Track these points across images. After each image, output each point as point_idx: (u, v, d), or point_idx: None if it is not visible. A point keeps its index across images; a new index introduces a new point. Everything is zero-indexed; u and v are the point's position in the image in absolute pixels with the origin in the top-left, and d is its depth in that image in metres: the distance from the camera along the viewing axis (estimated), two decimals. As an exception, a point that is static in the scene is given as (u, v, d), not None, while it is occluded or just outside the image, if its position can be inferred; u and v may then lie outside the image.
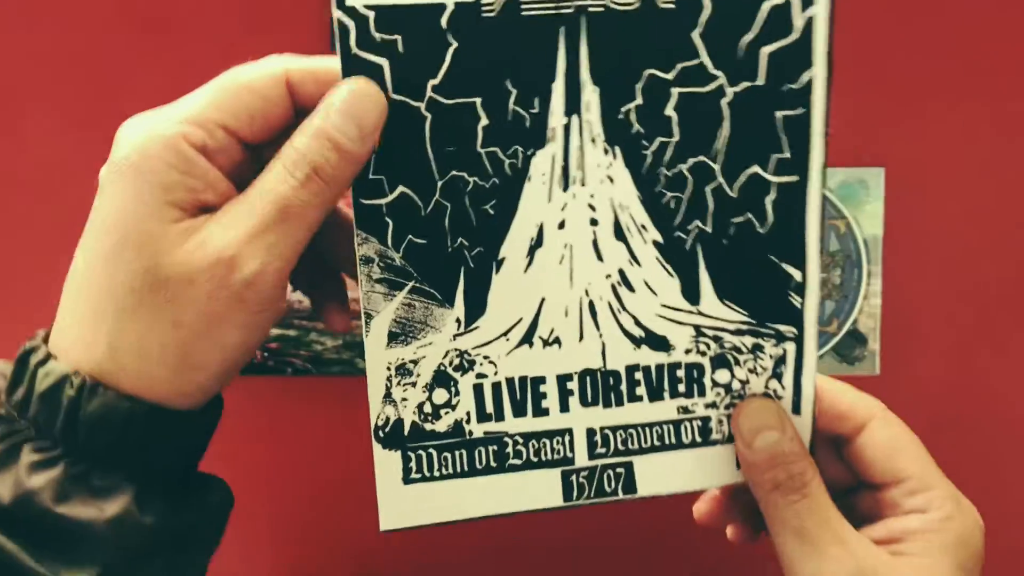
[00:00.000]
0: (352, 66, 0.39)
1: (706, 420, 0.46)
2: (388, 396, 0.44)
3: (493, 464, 0.45)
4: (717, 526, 0.51)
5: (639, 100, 0.41)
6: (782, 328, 0.45)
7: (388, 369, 0.43)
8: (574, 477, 0.45)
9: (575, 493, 0.45)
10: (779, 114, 0.42)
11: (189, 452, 0.41)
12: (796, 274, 0.44)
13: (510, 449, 0.45)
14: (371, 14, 0.39)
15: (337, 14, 0.39)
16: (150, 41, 0.75)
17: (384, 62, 0.39)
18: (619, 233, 0.43)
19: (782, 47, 0.41)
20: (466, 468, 0.44)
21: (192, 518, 0.40)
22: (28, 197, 0.77)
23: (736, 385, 0.45)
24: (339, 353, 0.78)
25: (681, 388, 0.45)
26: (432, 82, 0.40)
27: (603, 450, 0.45)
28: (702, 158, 0.42)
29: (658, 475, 0.46)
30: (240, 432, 0.77)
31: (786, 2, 0.41)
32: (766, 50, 0.41)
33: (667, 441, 0.46)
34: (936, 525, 0.43)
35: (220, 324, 0.38)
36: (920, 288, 0.76)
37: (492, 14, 0.39)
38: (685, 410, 0.45)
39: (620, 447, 0.45)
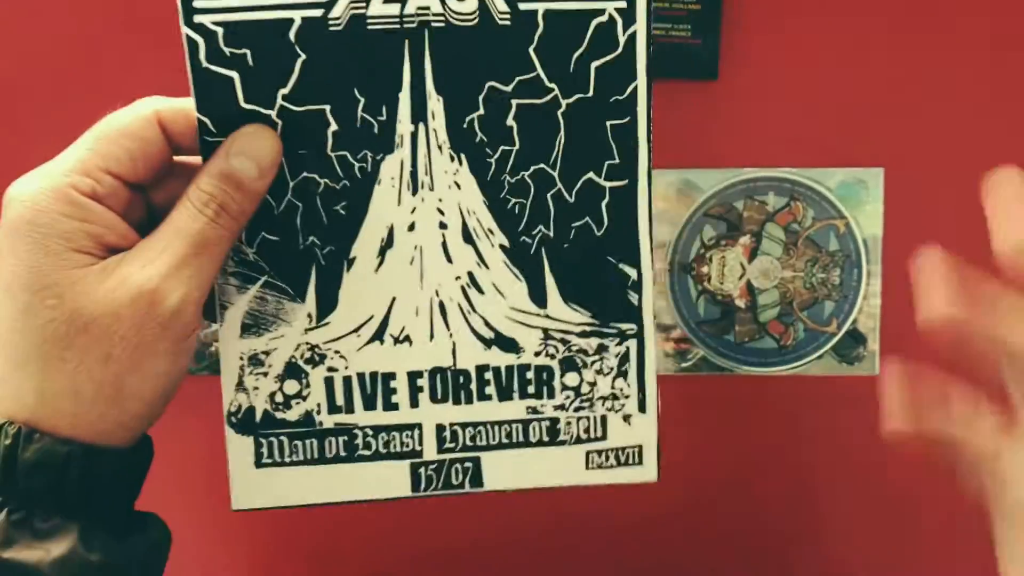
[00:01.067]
0: (202, 79, 0.42)
1: (555, 421, 0.47)
2: (240, 384, 0.46)
3: (343, 454, 0.47)
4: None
5: (481, 110, 0.44)
6: (623, 327, 0.47)
7: (241, 359, 0.46)
8: (423, 469, 0.47)
9: (423, 484, 0.47)
10: (608, 123, 0.45)
11: (127, 490, 0.43)
12: (632, 272, 0.46)
13: (359, 441, 0.47)
14: (220, 30, 0.42)
15: (185, 31, 0.42)
16: (150, 41, 0.72)
17: (235, 74, 0.42)
18: (467, 236, 0.45)
19: (608, 61, 0.44)
20: (316, 456, 0.46)
21: (137, 553, 0.42)
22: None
23: (584, 388, 0.47)
24: None
25: (531, 389, 0.47)
26: (282, 91, 0.43)
27: (451, 445, 0.47)
28: (542, 165, 0.45)
29: (505, 471, 0.47)
30: (208, 430, 0.80)
31: (610, 20, 0.43)
32: (594, 64, 0.44)
33: (515, 439, 0.47)
34: None
35: (149, 353, 0.40)
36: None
37: (339, 28, 0.42)
38: (534, 411, 0.47)
39: (468, 443, 0.47)
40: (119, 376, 0.40)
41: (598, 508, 0.75)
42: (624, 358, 0.47)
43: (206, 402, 0.74)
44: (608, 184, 0.46)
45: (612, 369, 0.47)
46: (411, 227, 0.45)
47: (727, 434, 0.76)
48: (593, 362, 0.47)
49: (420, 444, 0.47)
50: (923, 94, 0.74)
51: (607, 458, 0.48)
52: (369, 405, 0.46)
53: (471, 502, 0.68)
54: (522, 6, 0.43)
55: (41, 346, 0.39)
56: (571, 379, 0.47)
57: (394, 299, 0.46)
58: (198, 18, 0.42)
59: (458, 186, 0.45)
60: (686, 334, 0.74)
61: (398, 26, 0.43)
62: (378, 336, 0.46)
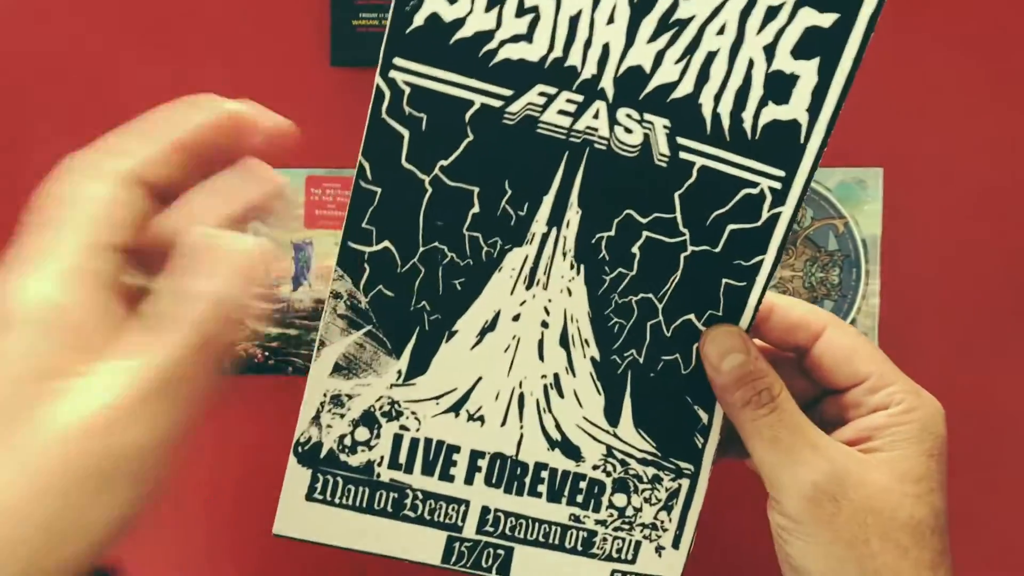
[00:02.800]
0: (376, 128, 0.45)
1: (592, 533, 0.49)
2: (316, 419, 0.48)
3: (390, 509, 0.48)
4: None
5: (612, 232, 0.47)
6: (682, 464, 0.49)
7: (324, 395, 0.47)
8: (457, 544, 0.49)
9: (454, 558, 0.49)
10: (724, 280, 0.47)
11: None
12: (704, 416, 0.49)
13: (408, 501, 0.48)
14: (407, 89, 0.44)
15: (378, 80, 0.44)
16: (150, 41, 0.76)
17: (406, 133, 0.45)
18: (564, 341, 0.48)
19: (744, 229, 0.47)
20: (364, 505, 0.48)
21: None
22: (28, 199, 0.78)
23: (629, 511, 0.49)
24: None
25: (579, 499, 0.49)
26: (442, 163, 0.45)
27: (491, 528, 0.49)
28: (651, 295, 0.47)
29: (533, 567, 0.49)
30: (239, 431, 0.80)
31: (760, 194, 0.46)
32: (731, 226, 0.47)
33: (551, 540, 0.49)
34: (900, 418, 0.45)
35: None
36: (918, 288, 0.77)
37: (511, 122, 0.45)
38: (576, 519, 0.49)
39: (507, 532, 0.49)
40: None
41: None
42: (674, 494, 0.49)
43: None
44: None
45: (660, 501, 0.49)
46: (516, 317, 0.47)
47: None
48: (644, 489, 0.49)
49: (463, 520, 0.49)
50: (923, 94, 0.75)
51: None
52: (427, 471, 0.48)
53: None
54: (682, 154, 0.46)
55: None
56: (619, 499, 0.49)
57: (480, 379, 0.48)
58: (393, 73, 0.44)
59: (569, 292, 0.47)
60: None
61: (564, 137, 0.45)
62: (455, 409, 0.48)
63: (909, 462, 0.45)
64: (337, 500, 0.48)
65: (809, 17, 0.44)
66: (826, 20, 0.44)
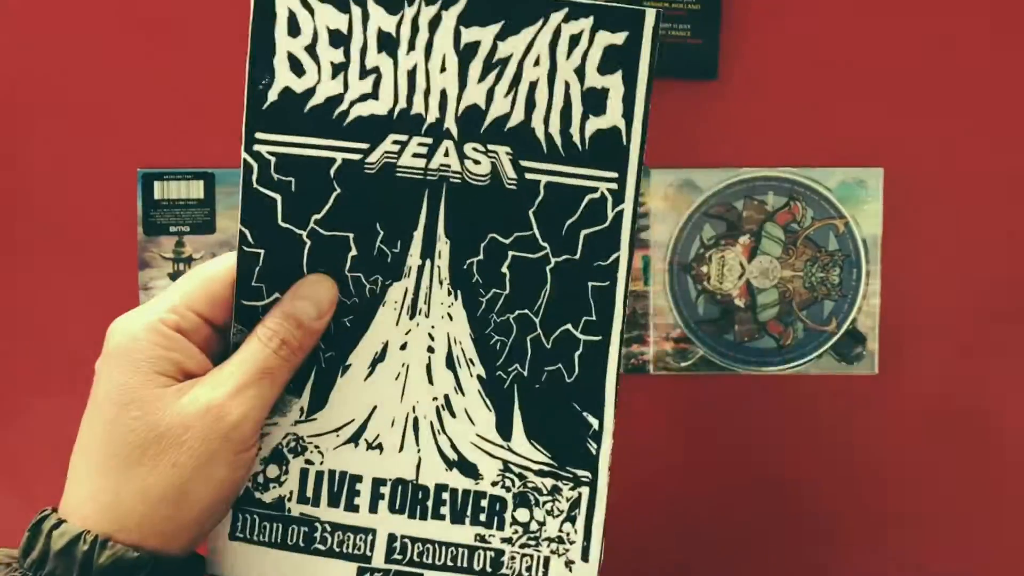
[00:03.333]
0: (249, 197, 0.51)
1: (499, 553, 0.50)
2: None
3: (301, 544, 0.50)
4: None
5: (481, 256, 0.51)
6: (579, 472, 0.50)
7: None
8: (367, 575, 0.50)
9: None
10: (590, 284, 0.50)
11: None
12: (594, 422, 0.50)
13: (318, 534, 0.50)
14: (273, 159, 0.50)
15: (244, 155, 0.51)
16: (150, 41, 0.75)
17: (278, 197, 0.51)
18: (450, 363, 0.51)
19: (596, 231, 0.50)
20: (279, 541, 0.51)
21: None
22: (28, 198, 0.78)
23: (533, 526, 0.50)
24: None
25: (482, 517, 0.50)
26: (315, 216, 0.51)
27: (399, 556, 0.50)
28: (526, 311, 0.51)
29: None
30: None
31: (601, 197, 0.50)
32: (584, 232, 0.50)
33: (459, 563, 0.50)
34: None
35: (211, 462, 0.46)
36: (919, 288, 0.75)
37: (372, 171, 0.51)
38: (482, 539, 0.50)
39: (415, 558, 0.50)
40: (183, 480, 0.46)
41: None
42: (575, 504, 0.50)
43: None
44: (583, 337, 0.50)
45: (562, 512, 0.50)
46: (403, 346, 0.51)
47: (726, 433, 0.76)
48: (545, 502, 0.50)
49: (371, 550, 0.50)
50: (923, 94, 0.74)
51: None
52: (333, 502, 0.51)
53: None
54: (527, 175, 0.50)
55: (121, 452, 0.46)
56: (522, 515, 0.50)
57: (375, 408, 0.51)
58: (256, 147, 0.51)
59: (450, 317, 0.51)
60: (685, 334, 0.75)
61: (422, 176, 0.50)
62: (354, 439, 0.51)
63: None
64: (255, 537, 0.51)
65: (605, 38, 0.49)
66: (619, 38, 0.49)
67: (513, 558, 0.50)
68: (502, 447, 0.50)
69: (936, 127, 0.75)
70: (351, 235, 0.51)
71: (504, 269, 0.50)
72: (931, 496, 0.76)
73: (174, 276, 0.77)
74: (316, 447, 0.51)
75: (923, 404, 0.76)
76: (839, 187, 0.74)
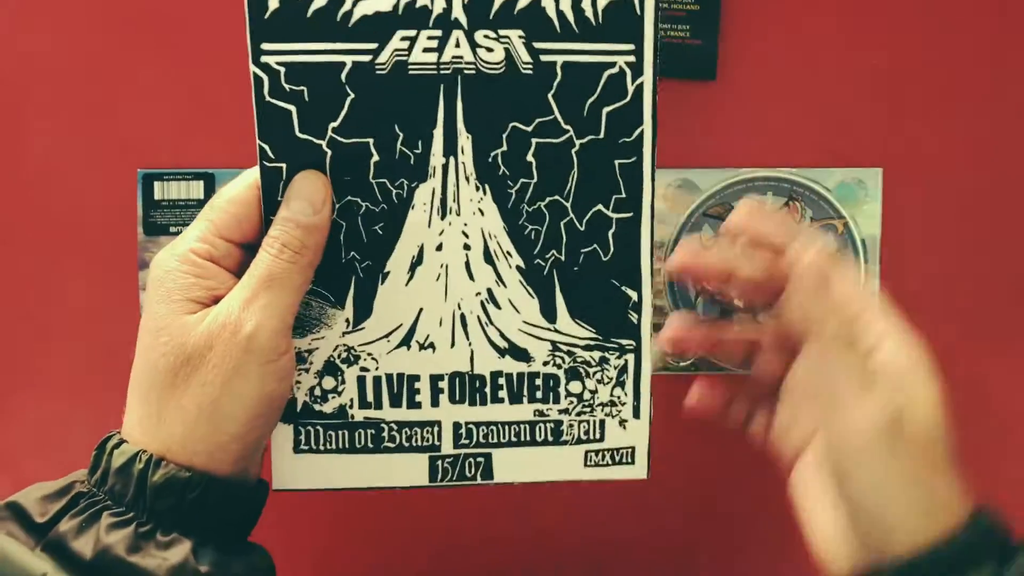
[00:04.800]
0: (264, 111, 0.49)
1: (558, 423, 0.53)
2: None
3: (371, 445, 0.53)
4: (713, 412, 0.58)
5: (504, 147, 0.50)
6: (623, 342, 0.53)
7: None
8: (440, 462, 0.53)
9: (439, 475, 0.53)
10: (617, 162, 0.51)
11: (238, 517, 0.50)
12: (633, 295, 0.52)
13: (385, 434, 0.53)
14: (282, 69, 0.49)
15: (253, 68, 0.49)
16: (150, 41, 0.75)
17: (292, 108, 0.49)
18: (488, 257, 0.52)
19: (618, 107, 0.50)
20: (347, 446, 0.53)
21: (240, 570, 0.48)
22: (28, 198, 0.77)
23: (586, 395, 0.53)
24: None
25: (539, 395, 0.53)
26: (332, 124, 0.49)
27: (466, 441, 0.53)
28: (557, 197, 0.51)
29: (513, 466, 0.53)
30: None
31: (620, 71, 0.50)
32: (606, 110, 0.50)
33: (523, 438, 0.53)
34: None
35: (236, 376, 0.47)
36: (918, 288, 0.75)
37: (384, 72, 0.49)
38: (541, 413, 0.53)
39: (482, 440, 0.53)
40: (213, 398, 0.47)
41: (598, 503, 0.77)
42: (623, 370, 0.53)
43: None
44: (615, 216, 0.52)
45: (611, 379, 0.53)
46: (439, 247, 0.51)
47: (725, 433, 0.76)
48: (595, 372, 0.53)
49: (439, 440, 0.53)
50: (922, 94, 0.74)
51: (603, 457, 0.54)
52: (395, 403, 0.52)
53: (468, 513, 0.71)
54: (543, 57, 0.49)
55: (157, 377, 0.48)
56: (575, 387, 0.53)
57: (421, 310, 0.52)
58: (264, 58, 0.48)
59: (482, 213, 0.51)
60: None
61: (435, 72, 0.49)
62: (405, 342, 0.52)
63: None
64: (321, 447, 0.53)
65: None
66: None
67: (571, 425, 0.53)
68: (549, 329, 0.52)
69: (936, 127, 0.74)
70: (371, 140, 0.50)
71: (530, 157, 0.51)
72: None
73: None
74: (369, 354, 0.52)
75: None
76: (838, 187, 0.74)
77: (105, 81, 0.75)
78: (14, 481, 0.80)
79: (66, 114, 0.76)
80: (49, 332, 0.79)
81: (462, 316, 0.52)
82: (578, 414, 0.53)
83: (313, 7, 0.48)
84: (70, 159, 0.76)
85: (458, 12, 0.49)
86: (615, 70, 0.50)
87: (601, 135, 0.51)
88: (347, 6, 0.48)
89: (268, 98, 0.49)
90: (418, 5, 0.48)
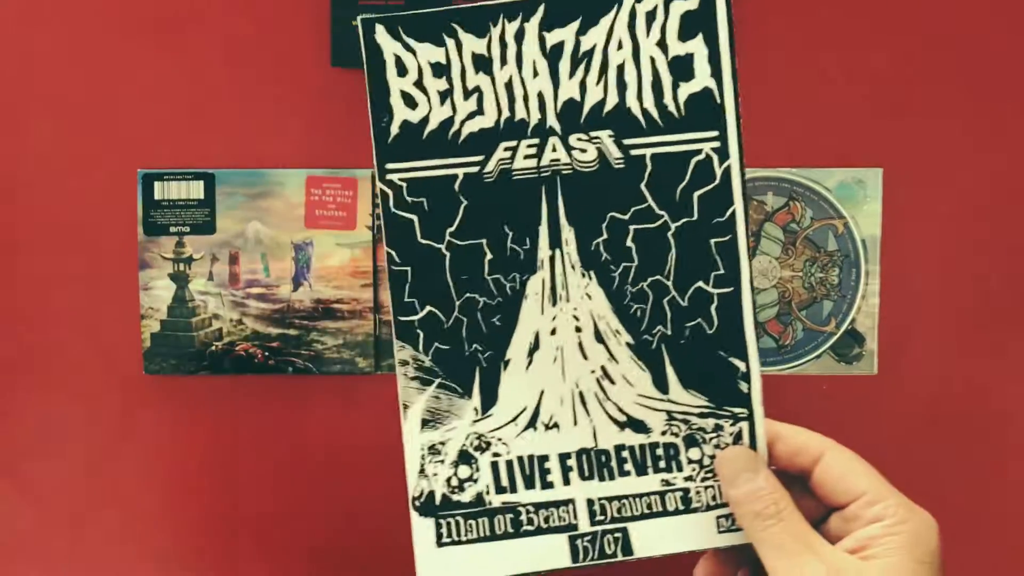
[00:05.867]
0: (391, 221, 0.55)
1: (686, 491, 0.55)
2: (422, 471, 0.55)
3: (510, 530, 0.55)
4: None
5: (605, 235, 0.55)
6: (735, 410, 0.55)
7: (422, 449, 0.55)
8: (579, 541, 0.55)
9: (580, 555, 0.55)
10: (712, 241, 0.55)
11: None
12: (741, 365, 0.55)
13: (523, 517, 0.55)
14: (404, 184, 0.54)
15: (380, 185, 0.55)
16: (151, 41, 0.77)
17: (414, 217, 0.55)
18: (599, 337, 0.55)
19: (708, 190, 0.55)
20: (487, 533, 0.55)
21: None
22: (28, 198, 0.79)
23: (706, 460, 0.55)
24: (339, 352, 0.80)
25: (662, 464, 0.55)
26: (450, 229, 0.55)
27: (602, 517, 0.55)
28: (658, 277, 0.55)
29: (651, 538, 0.55)
30: (241, 431, 0.82)
31: (707, 157, 0.54)
32: (696, 193, 0.55)
33: (655, 509, 0.55)
34: (893, 528, 0.49)
35: None
36: (918, 288, 0.76)
37: (491, 179, 0.54)
38: (667, 483, 0.55)
39: (616, 514, 0.55)
40: None
41: None
42: (738, 436, 0.55)
43: (206, 402, 0.80)
44: (716, 291, 0.55)
45: (728, 445, 0.55)
46: (553, 331, 0.55)
47: None
48: (711, 438, 0.55)
49: (575, 518, 0.55)
50: (922, 95, 0.76)
51: (733, 522, 0.55)
52: (529, 484, 0.55)
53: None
54: (632, 152, 0.54)
55: None
56: (694, 453, 0.55)
57: (543, 392, 0.55)
58: (389, 176, 0.54)
59: (589, 297, 0.55)
60: None
61: (536, 175, 0.54)
62: (531, 424, 0.55)
63: (902, 568, 0.49)
64: (463, 537, 0.55)
65: (679, 6, 0.54)
66: (693, 3, 0.54)
67: (698, 492, 0.55)
68: (663, 400, 0.55)
69: (935, 127, 0.76)
70: (484, 240, 0.55)
71: (629, 243, 0.55)
72: (930, 495, 0.70)
73: (174, 276, 0.79)
74: (499, 439, 0.55)
75: (922, 404, 0.78)
76: (839, 187, 0.75)
77: (105, 81, 0.77)
78: (14, 481, 0.83)
79: (66, 114, 0.78)
80: (49, 332, 0.81)
81: (580, 394, 0.55)
82: (702, 480, 0.55)
83: (428, 130, 0.54)
84: (70, 159, 0.79)
85: (552, 121, 0.54)
86: (702, 156, 0.54)
87: (695, 217, 0.55)
88: (456, 127, 0.54)
89: (393, 210, 0.54)
90: (517, 119, 0.54)
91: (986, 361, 0.79)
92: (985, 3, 0.76)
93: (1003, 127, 0.77)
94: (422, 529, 0.55)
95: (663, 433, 0.55)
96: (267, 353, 0.81)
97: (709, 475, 0.55)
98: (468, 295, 0.55)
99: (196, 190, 0.79)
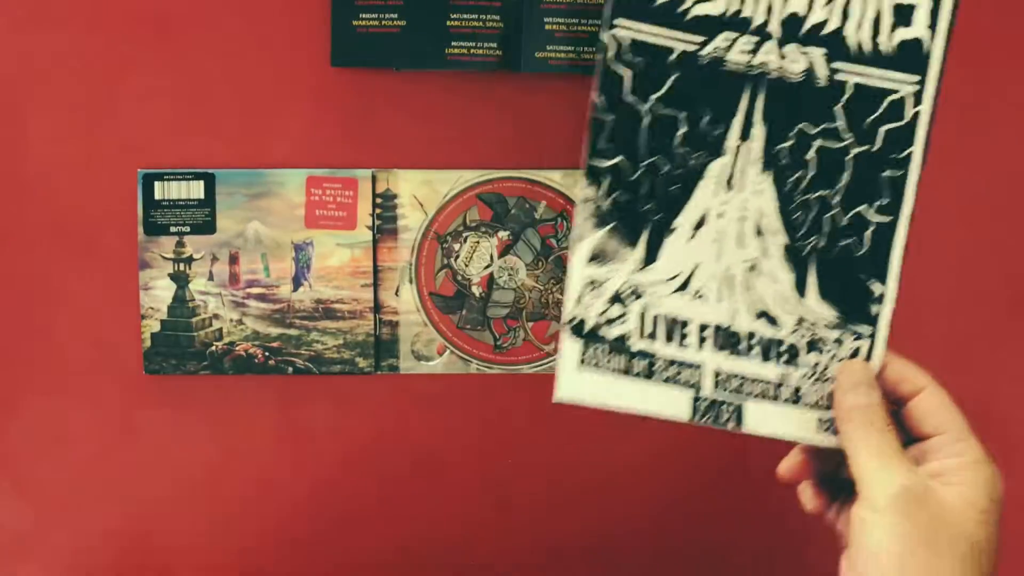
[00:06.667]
0: (606, 72, 0.59)
1: (799, 388, 0.60)
2: (580, 300, 0.60)
3: (644, 373, 0.60)
4: (795, 481, 0.63)
5: (791, 142, 0.60)
6: (861, 328, 0.60)
7: (583, 281, 0.60)
8: (700, 402, 0.60)
9: (698, 415, 0.60)
10: (886, 173, 0.60)
11: None
12: (879, 289, 0.60)
13: (657, 366, 0.60)
14: (627, 41, 0.59)
15: (604, 36, 0.59)
16: (151, 41, 0.77)
17: (628, 74, 0.59)
18: (759, 232, 0.60)
19: (895, 128, 0.60)
20: (624, 369, 0.60)
21: None
22: (29, 198, 0.79)
23: (821, 367, 0.60)
24: (339, 352, 0.80)
25: (783, 359, 0.60)
26: (655, 95, 0.59)
27: (724, 388, 0.60)
28: (827, 192, 0.60)
29: (761, 419, 0.60)
30: (241, 431, 0.82)
31: (902, 99, 0.59)
32: (884, 128, 0.60)
33: (769, 395, 0.60)
34: (972, 466, 0.54)
35: None
36: (918, 288, 0.71)
37: (704, 62, 0.59)
38: (784, 376, 0.60)
39: (736, 389, 0.60)
40: None
41: (599, 500, 0.80)
42: (855, 353, 0.60)
43: (206, 402, 0.80)
44: (875, 218, 0.60)
45: (844, 359, 0.60)
46: (720, 215, 0.60)
47: (725, 432, 0.74)
48: (830, 349, 0.60)
49: (701, 381, 0.60)
50: None
51: (831, 426, 0.60)
52: (668, 339, 0.60)
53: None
54: (837, 76, 0.59)
55: None
56: (812, 358, 0.60)
57: (698, 265, 0.60)
58: (615, 30, 0.59)
59: (761, 193, 0.60)
60: None
61: (745, 70, 0.59)
62: (682, 288, 0.60)
63: (977, 496, 0.54)
64: (603, 365, 0.60)
65: None
66: None
67: (808, 392, 0.60)
68: (798, 304, 0.60)
69: (936, 127, 0.71)
70: (683, 115, 0.59)
71: (810, 155, 0.59)
72: None
73: (174, 276, 0.79)
74: (652, 293, 0.60)
75: None
76: None
77: (105, 81, 0.77)
78: (14, 481, 0.82)
79: (66, 114, 0.77)
80: (49, 332, 0.80)
81: (729, 277, 0.60)
82: (813, 383, 0.60)
83: (660, 1, 0.59)
84: (70, 159, 0.78)
85: (775, 26, 0.59)
86: (898, 96, 0.59)
87: (875, 148, 0.60)
88: (687, 4, 0.59)
89: (611, 62, 0.59)
90: (743, 15, 0.59)
91: (988, 361, 0.80)
92: (985, 3, 0.77)
93: (1003, 127, 0.79)
94: (569, 348, 0.60)
95: (791, 333, 0.60)
96: (267, 353, 0.81)
97: (821, 380, 0.60)
98: (655, 159, 0.59)
99: (196, 190, 0.78)
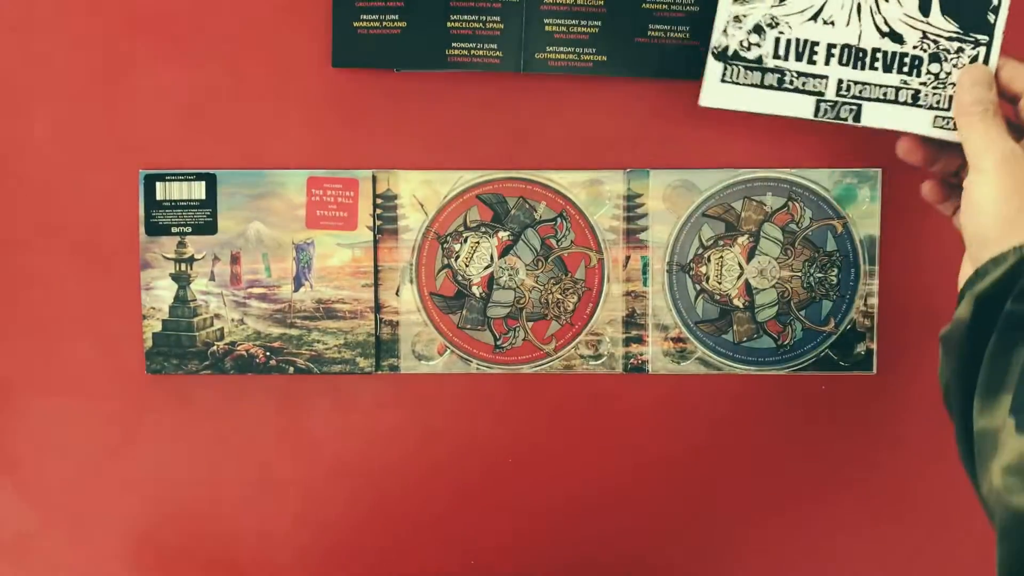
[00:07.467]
0: None
1: (917, 91, 0.67)
2: (725, 32, 0.68)
3: (775, 84, 0.68)
4: (912, 160, 0.69)
5: None
6: (979, 37, 0.66)
7: (729, 16, 0.67)
8: (823, 104, 0.68)
9: (820, 112, 0.68)
10: None
11: None
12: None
13: (787, 78, 0.68)
14: None
15: None
16: (152, 42, 0.77)
17: None
18: None
19: None
20: (758, 82, 0.68)
21: None
22: (30, 199, 0.79)
23: (942, 75, 0.66)
24: (340, 352, 0.79)
25: (905, 69, 0.66)
26: None
27: (845, 92, 0.68)
28: None
29: (878, 115, 0.68)
30: (241, 431, 0.80)
31: None
32: None
33: (888, 97, 0.67)
34: None
35: None
36: (917, 288, 0.77)
37: None
38: (904, 83, 0.67)
39: (857, 94, 0.68)
40: None
41: (599, 501, 0.79)
42: (975, 59, 0.66)
43: (207, 402, 0.80)
44: None
45: (964, 65, 0.66)
46: None
47: (725, 433, 0.79)
48: (952, 58, 0.66)
49: (825, 88, 0.68)
50: None
51: (948, 123, 0.67)
52: (799, 58, 0.67)
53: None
54: None
55: None
56: (934, 67, 0.67)
57: None
58: None
59: None
60: (684, 333, 0.77)
61: None
62: (814, 17, 0.66)
63: None
64: (739, 80, 0.68)
65: None
66: None
67: (927, 95, 0.67)
68: (922, 21, 0.66)
69: None
70: None
71: None
72: (929, 494, 0.79)
73: (175, 276, 0.79)
74: (787, 23, 0.66)
75: (921, 404, 0.78)
76: (838, 188, 0.76)
77: (107, 82, 0.77)
78: (14, 481, 0.82)
79: (68, 115, 0.78)
80: (51, 332, 0.79)
81: (859, 4, 0.66)
82: (933, 87, 0.66)
83: None
84: (72, 160, 0.78)
85: None
86: None
87: None
88: None
89: None
90: None
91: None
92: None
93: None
94: (713, 69, 0.68)
95: (915, 47, 0.66)
96: (268, 353, 0.80)
97: (940, 86, 0.66)
98: None
99: (198, 190, 0.79)
